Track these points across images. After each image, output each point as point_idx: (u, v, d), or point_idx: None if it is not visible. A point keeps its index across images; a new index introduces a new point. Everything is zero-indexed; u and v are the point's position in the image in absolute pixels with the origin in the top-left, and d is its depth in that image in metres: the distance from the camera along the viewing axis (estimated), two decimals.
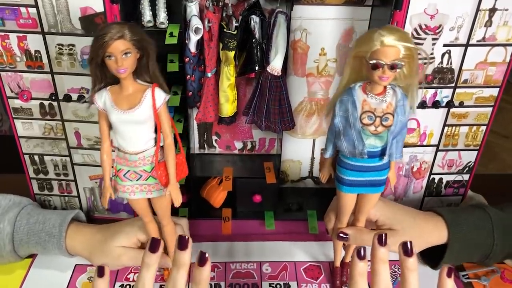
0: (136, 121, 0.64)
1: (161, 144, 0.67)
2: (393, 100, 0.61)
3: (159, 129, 0.66)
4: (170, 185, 0.68)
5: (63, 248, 0.80)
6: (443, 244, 0.78)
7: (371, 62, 0.58)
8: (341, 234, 0.74)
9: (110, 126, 0.67)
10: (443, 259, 0.78)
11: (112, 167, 0.69)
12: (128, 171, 0.67)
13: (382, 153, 0.63)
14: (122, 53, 0.60)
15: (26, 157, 0.89)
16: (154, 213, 0.75)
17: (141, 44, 0.62)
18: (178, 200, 0.69)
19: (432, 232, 0.78)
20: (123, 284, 0.81)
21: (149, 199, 0.72)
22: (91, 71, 0.64)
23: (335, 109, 0.63)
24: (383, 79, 0.58)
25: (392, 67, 0.57)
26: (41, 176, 0.91)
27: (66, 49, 0.77)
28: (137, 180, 0.68)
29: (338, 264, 0.80)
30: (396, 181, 0.93)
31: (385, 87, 0.61)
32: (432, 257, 0.82)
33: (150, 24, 0.80)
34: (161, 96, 0.64)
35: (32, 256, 0.85)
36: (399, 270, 0.84)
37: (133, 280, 0.81)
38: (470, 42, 0.79)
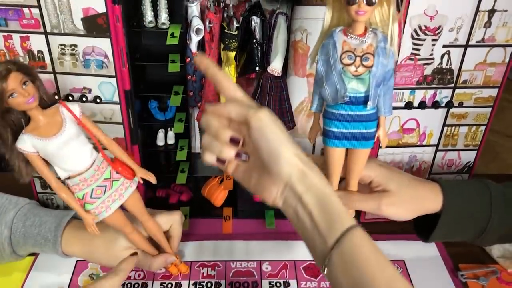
0: (71, 138, 0.64)
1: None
2: (373, 42, 0.61)
3: (92, 137, 0.66)
4: (136, 171, 0.69)
5: (60, 252, 0.79)
6: (436, 217, 0.74)
7: None
8: None
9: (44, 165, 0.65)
10: (435, 229, 0.74)
11: None
12: (92, 190, 0.67)
13: (366, 101, 0.62)
14: (21, 84, 0.59)
15: None
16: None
17: (27, 70, 0.61)
18: (152, 177, 0.70)
19: (427, 196, 0.73)
20: (124, 283, 0.81)
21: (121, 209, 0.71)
22: None
23: (317, 54, 0.63)
24: (360, 13, 0.58)
25: (368, 1, 0.58)
26: None
27: (68, 49, 0.78)
28: (104, 194, 0.68)
29: None
30: None
31: (366, 29, 0.61)
32: (424, 229, 0.78)
33: (152, 25, 0.80)
34: (75, 107, 0.65)
35: (34, 254, 0.86)
36: (398, 268, 0.85)
37: (135, 279, 0.82)
38: (470, 43, 0.79)
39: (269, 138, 0.53)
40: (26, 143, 0.62)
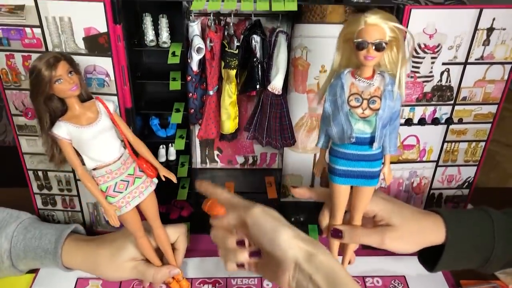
0: (105, 129, 0.68)
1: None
2: (381, 85, 0.61)
3: (121, 133, 0.70)
4: (159, 169, 0.73)
5: (60, 264, 0.79)
6: (441, 247, 0.75)
7: (355, 41, 0.59)
8: (334, 231, 0.71)
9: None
10: (440, 260, 0.74)
11: None
12: (116, 183, 0.70)
13: (371, 141, 0.63)
14: (67, 72, 0.64)
15: (30, 172, 0.90)
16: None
17: (72, 62, 0.66)
18: (173, 176, 0.74)
19: (430, 229, 0.74)
20: None
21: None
22: (39, 108, 0.66)
23: (325, 94, 0.64)
24: (368, 59, 0.59)
25: (377, 47, 0.58)
26: (45, 191, 0.92)
27: None
28: (126, 189, 0.70)
29: None
30: (397, 196, 0.94)
31: (374, 72, 0.62)
32: (429, 259, 0.78)
33: (153, 44, 0.81)
34: (109, 103, 0.70)
35: (35, 270, 0.86)
36: (399, 284, 0.84)
37: None
38: (469, 61, 0.80)
39: (264, 229, 0.59)
40: (62, 129, 0.66)
